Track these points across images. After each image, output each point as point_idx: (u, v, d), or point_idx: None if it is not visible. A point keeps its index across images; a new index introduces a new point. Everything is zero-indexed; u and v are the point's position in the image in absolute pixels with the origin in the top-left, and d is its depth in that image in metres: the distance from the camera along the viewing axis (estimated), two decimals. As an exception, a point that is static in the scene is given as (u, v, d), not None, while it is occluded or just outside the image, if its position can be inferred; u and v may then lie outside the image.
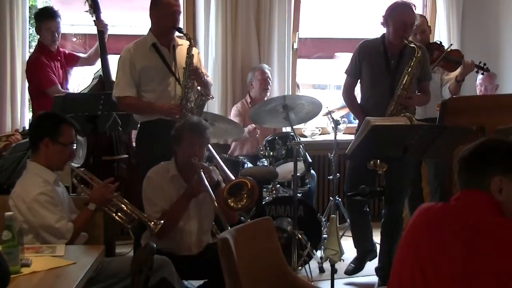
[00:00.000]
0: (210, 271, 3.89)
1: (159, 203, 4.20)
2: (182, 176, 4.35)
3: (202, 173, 4.20)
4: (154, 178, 4.32)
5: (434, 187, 5.79)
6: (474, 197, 2.39)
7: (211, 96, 5.10)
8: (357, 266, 5.49)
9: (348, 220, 5.82)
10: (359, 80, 5.28)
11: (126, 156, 5.78)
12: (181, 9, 5.06)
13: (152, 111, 4.93)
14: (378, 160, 4.64)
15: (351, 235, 5.65)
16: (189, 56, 4.90)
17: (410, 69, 4.94)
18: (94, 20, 5.80)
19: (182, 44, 5.04)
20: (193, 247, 4.33)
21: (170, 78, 4.95)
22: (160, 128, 4.85)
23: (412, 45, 4.95)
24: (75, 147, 4.02)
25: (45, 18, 5.82)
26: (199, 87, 4.97)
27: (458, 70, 5.84)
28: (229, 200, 4.23)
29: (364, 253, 5.49)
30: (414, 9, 5.07)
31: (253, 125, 6.12)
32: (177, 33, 5.05)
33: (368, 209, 5.47)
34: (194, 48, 5.00)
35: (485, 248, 2.27)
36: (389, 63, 5.08)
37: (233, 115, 6.46)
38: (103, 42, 5.80)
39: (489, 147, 2.44)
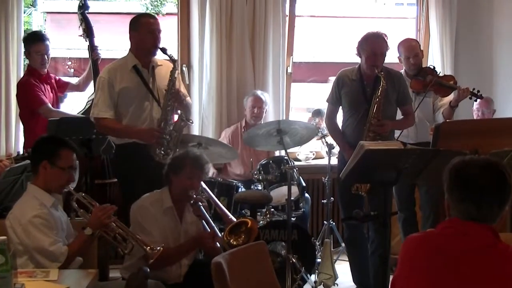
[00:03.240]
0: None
1: (155, 234, 4.18)
2: (176, 209, 4.36)
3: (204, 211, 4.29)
4: (149, 208, 4.30)
5: (427, 212, 5.79)
6: (479, 228, 2.39)
7: (191, 121, 5.13)
8: None
9: (347, 256, 5.78)
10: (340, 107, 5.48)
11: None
12: (161, 28, 5.02)
13: (129, 135, 4.93)
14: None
15: (345, 259, 5.63)
16: (172, 78, 4.91)
17: (377, 98, 5.13)
18: (88, 47, 5.81)
19: (162, 65, 5.05)
20: (181, 276, 4.36)
21: (149, 99, 4.95)
22: (135, 151, 4.86)
23: (380, 74, 5.12)
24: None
25: (34, 42, 5.83)
26: (179, 111, 4.98)
27: (451, 96, 5.86)
28: (231, 240, 4.33)
29: None
30: (385, 39, 5.26)
31: None
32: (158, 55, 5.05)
33: (367, 236, 5.48)
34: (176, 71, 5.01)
35: (491, 273, 2.28)
36: (365, 90, 5.27)
37: (223, 140, 6.44)
38: (96, 67, 5.83)
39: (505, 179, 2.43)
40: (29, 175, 4.15)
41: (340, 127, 5.48)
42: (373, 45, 5.20)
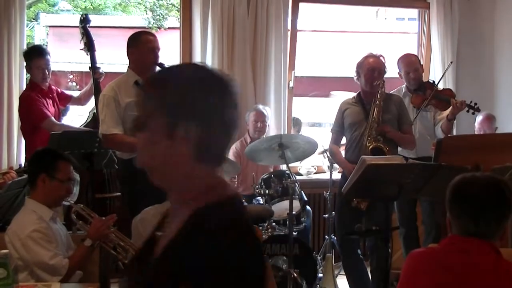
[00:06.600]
0: None
1: None
2: None
3: None
4: (152, 220, 4.28)
5: (429, 227, 5.77)
6: (478, 244, 2.39)
7: None
8: None
9: (343, 270, 5.77)
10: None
11: (119, 194, 5.77)
12: (160, 46, 5.06)
13: None
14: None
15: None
16: None
17: (377, 101, 5.24)
18: (90, 65, 5.80)
19: None
20: None
21: None
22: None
23: (378, 82, 5.26)
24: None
25: (35, 56, 5.81)
26: None
27: (450, 109, 5.85)
28: None
29: None
30: (383, 60, 5.42)
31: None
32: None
33: (360, 253, 5.48)
34: None
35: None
36: (365, 108, 5.37)
37: (231, 155, 6.44)
38: (97, 83, 5.81)
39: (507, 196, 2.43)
40: (31, 188, 4.16)
41: (344, 150, 5.57)
42: (371, 62, 5.35)
